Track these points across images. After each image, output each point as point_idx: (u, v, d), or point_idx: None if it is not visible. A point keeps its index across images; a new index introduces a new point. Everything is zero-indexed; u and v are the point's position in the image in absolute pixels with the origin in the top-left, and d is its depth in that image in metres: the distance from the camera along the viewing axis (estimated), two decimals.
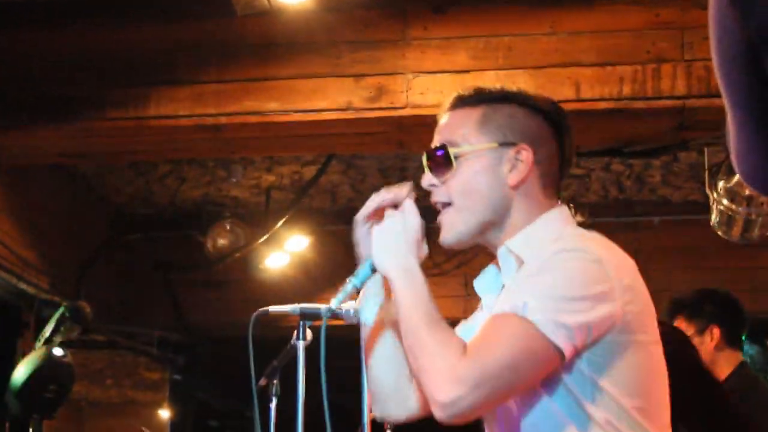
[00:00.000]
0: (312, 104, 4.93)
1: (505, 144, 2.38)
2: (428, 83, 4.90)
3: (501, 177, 2.37)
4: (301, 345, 3.45)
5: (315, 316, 3.46)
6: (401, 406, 2.58)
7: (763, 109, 1.38)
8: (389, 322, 2.52)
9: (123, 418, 9.50)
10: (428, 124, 4.86)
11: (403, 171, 7.71)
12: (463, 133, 2.41)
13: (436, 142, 2.46)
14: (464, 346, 2.22)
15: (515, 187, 2.38)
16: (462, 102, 2.46)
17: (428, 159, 2.45)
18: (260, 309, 3.52)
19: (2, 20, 5.07)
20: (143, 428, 9.08)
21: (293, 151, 6.53)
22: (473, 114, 2.42)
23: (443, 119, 2.49)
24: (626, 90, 4.79)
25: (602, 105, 4.81)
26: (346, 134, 5.12)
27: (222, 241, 8.03)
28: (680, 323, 4.47)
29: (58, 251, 7.48)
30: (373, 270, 2.44)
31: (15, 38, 5.10)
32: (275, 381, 3.78)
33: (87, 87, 5.00)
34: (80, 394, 8.99)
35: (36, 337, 6.85)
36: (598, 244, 2.32)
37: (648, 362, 2.30)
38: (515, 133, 2.39)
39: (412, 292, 2.31)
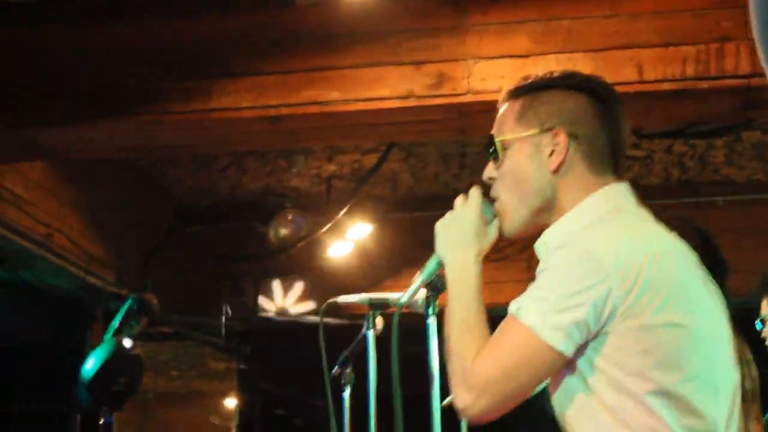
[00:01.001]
0: (373, 93, 4.92)
1: (543, 130, 2.43)
2: (488, 69, 4.87)
3: (543, 163, 2.43)
4: (371, 334, 3.48)
5: (383, 305, 3.48)
6: None
7: None
8: None
9: (189, 409, 9.58)
10: (489, 110, 4.83)
11: (463, 157, 7.69)
12: (506, 126, 2.50)
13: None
14: (479, 350, 2.30)
15: (557, 171, 2.43)
16: (508, 96, 2.54)
17: (487, 153, 2.55)
18: (329, 300, 3.55)
19: (63, 14, 5.11)
20: (211, 418, 9.16)
21: (355, 141, 6.53)
22: (515, 106, 2.50)
23: (498, 113, 2.57)
24: (689, 70, 4.73)
25: (665, 86, 4.75)
26: (407, 122, 5.11)
27: (284, 231, 8.06)
28: None
29: (123, 244, 7.56)
30: (440, 265, 2.52)
31: (76, 32, 5.12)
32: (348, 370, 3.80)
33: (147, 81, 5.02)
34: (147, 386, 9.07)
35: (105, 330, 6.92)
36: (603, 233, 2.33)
37: (665, 344, 2.25)
38: (552, 117, 2.44)
39: (458, 291, 2.42)
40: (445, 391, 3.10)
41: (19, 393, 7.97)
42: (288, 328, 9.33)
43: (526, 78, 2.54)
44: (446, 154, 7.62)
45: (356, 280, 8.23)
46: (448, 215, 2.55)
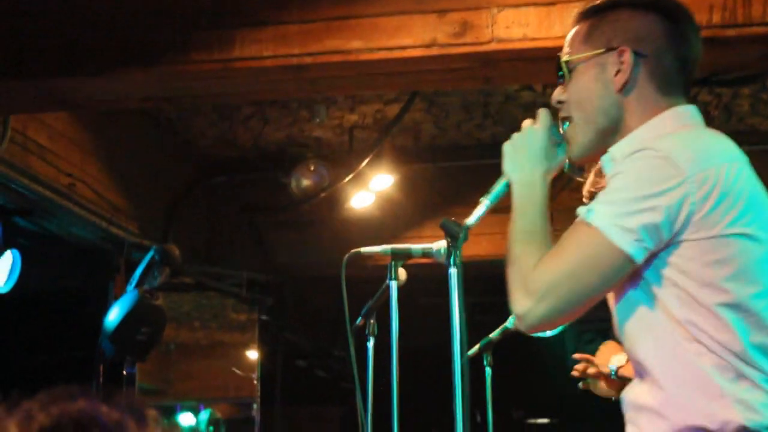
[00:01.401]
0: (396, 42, 4.88)
1: (609, 49, 2.41)
2: (513, 17, 4.82)
3: (608, 83, 2.42)
4: (393, 285, 3.46)
5: (406, 255, 3.46)
6: None
7: None
8: None
9: (211, 360, 9.61)
10: (514, 58, 4.88)
11: (487, 106, 7.65)
12: (575, 46, 2.48)
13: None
14: (540, 257, 2.27)
15: (622, 90, 2.41)
16: (577, 19, 2.52)
17: (556, 71, 2.52)
18: (352, 250, 3.53)
19: None
20: (233, 368, 9.21)
21: (378, 90, 6.49)
22: (583, 28, 2.49)
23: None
24: (716, 18, 4.67)
25: None
26: (431, 71, 5.07)
27: (306, 182, 8.04)
28: None
29: (146, 195, 7.57)
30: (508, 186, 2.51)
31: None
32: (372, 321, 3.79)
33: (170, 30, 4.99)
34: (168, 337, 9.11)
35: (127, 281, 6.94)
36: (678, 139, 2.28)
37: (740, 255, 2.21)
38: (618, 36, 2.42)
39: (523, 207, 2.40)
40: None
41: (43, 343, 8.03)
42: (310, 278, 9.35)
43: (592, 2, 2.51)
44: (469, 103, 7.58)
45: (378, 230, 8.23)
46: (516, 136, 2.52)
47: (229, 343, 9.69)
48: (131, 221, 7.26)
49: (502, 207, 7.61)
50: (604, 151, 2.45)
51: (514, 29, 4.81)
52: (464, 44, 4.84)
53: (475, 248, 8.12)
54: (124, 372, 7.51)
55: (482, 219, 2.60)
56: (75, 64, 5.03)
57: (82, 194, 6.56)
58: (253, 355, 9.44)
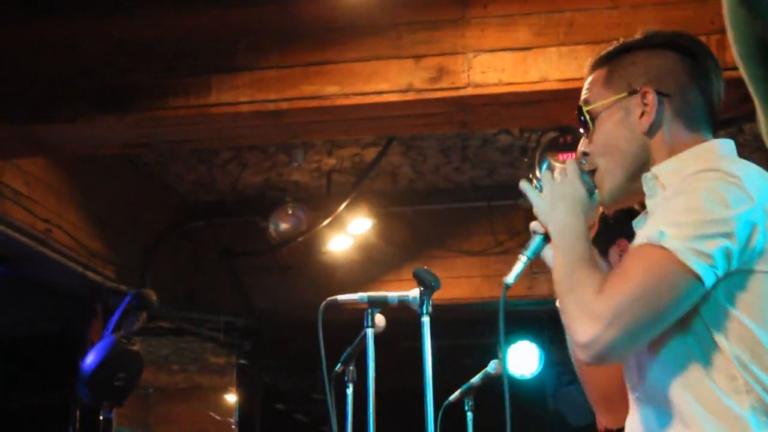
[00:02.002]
0: (372, 87, 4.90)
1: (631, 92, 2.35)
2: (489, 62, 4.85)
3: (634, 126, 2.35)
4: (370, 332, 3.47)
5: (382, 303, 3.47)
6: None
7: None
8: None
9: (190, 403, 9.56)
10: (490, 103, 4.90)
11: (464, 150, 7.67)
12: (595, 93, 2.41)
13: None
14: (602, 284, 2.15)
15: (649, 132, 2.35)
16: (593, 67, 2.47)
17: (579, 124, 2.46)
18: (329, 298, 3.54)
19: (64, 9, 5.09)
20: (211, 413, 9.15)
21: (354, 135, 6.51)
22: (601, 74, 2.42)
23: (583, 88, 2.48)
24: None
25: None
26: (407, 116, 5.09)
27: (284, 226, 8.04)
28: None
29: (123, 240, 7.54)
30: (546, 240, 2.41)
31: (76, 28, 5.11)
32: (351, 367, 3.79)
33: (148, 76, 5.01)
34: (147, 381, 9.05)
35: (104, 326, 6.90)
36: (742, 164, 2.21)
37: None
38: (638, 78, 2.36)
39: (569, 257, 2.26)
40: (437, 386, 3.09)
41: (20, 387, 7.97)
42: (289, 322, 9.31)
43: (609, 48, 2.47)
44: (447, 147, 7.60)
45: (357, 274, 8.22)
46: (547, 189, 2.39)
47: (208, 386, 9.63)
48: (108, 266, 7.23)
49: (478, 251, 7.57)
50: (635, 194, 2.40)
51: (489, 74, 4.83)
52: (440, 89, 4.86)
53: (454, 291, 8.17)
54: (101, 417, 7.44)
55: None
56: (52, 110, 5.03)
57: (59, 240, 6.54)
58: (231, 398, 9.39)
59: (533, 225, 2.43)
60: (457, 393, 4.97)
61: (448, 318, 7.79)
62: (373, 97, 4.90)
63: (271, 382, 10.34)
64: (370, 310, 3.51)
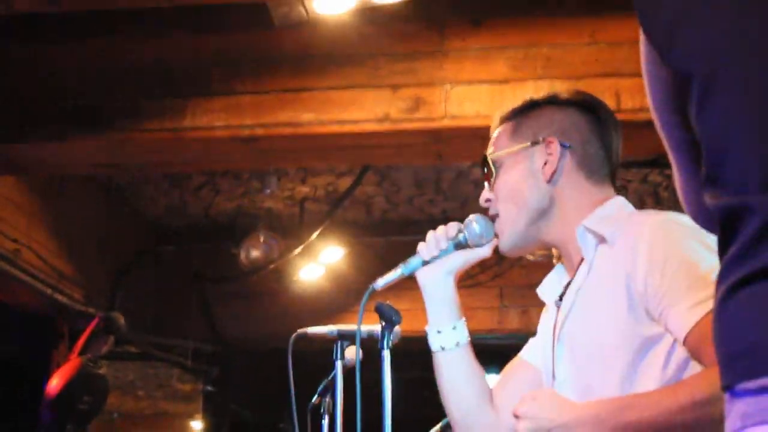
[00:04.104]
0: (348, 115, 4.89)
1: (535, 142, 2.45)
2: (466, 94, 4.84)
3: (537, 174, 2.44)
4: (339, 365, 3.48)
5: (352, 336, 3.47)
6: (488, 429, 2.57)
7: (691, 150, 1.39)
8: (464, 344, 2.58)
9: (155, 430, 9.51)
10: (466, 135, 4.89)
11: (438, 182, 7.67)
12: (500, 143, 2.52)
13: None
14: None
15: (551, 180, 2.43)
16: (500, 120, 2.58)
17: (481, 170, 2.56)
18: (299, 330, 3.54)
19: (38, 32, 5.07)
20: None
21: (329, 162, 6.49)
22: (509, 126, 2.53)
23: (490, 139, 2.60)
24: None
25: (642, 116, 4.72)
26: (383, 146, 5.07)
27: (255, 253, 8.00)
28: None
29: (93, 263, 7.49)
30: (425, 263, 2.55)
31: (51, 50, 5.09)
32: (327, 399, 3.78)
33: (122, 98, 4.98)
34: (112, 405, 9.00)
35: (70, 349, 6.85)
36: (672, 214, 2.27)
37: None
38: (544, 130, 2.46)
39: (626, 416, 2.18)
40: (407, 418, 3.07)
41: None
42: (257, 350, 9.27)
43: (516, 104, 2.57)
44: (421, 179, 7.60)
45: (327, 304, 8.19)
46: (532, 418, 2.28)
47: (173, 413, 9.60)
48: (77, 288, 7.17)
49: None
50: (533, 242, 2.49)
51: (466, 106, 4.83)
52: (417, 119, 4.85)
53: (424, 323, 8.15)
54: None
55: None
56: (26, 130, 5.00)
57: (27, 260, 6.48)
58: (196, 425, 9.34)
59: (420, 246, 2.58)
60: (437, 427, 4.94)
61: (417, 349, 7.77)
62: (349, 126, 4.89)
63: (237, 411, 10.29)
64: (339, 343, 3.52)
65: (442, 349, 2.59)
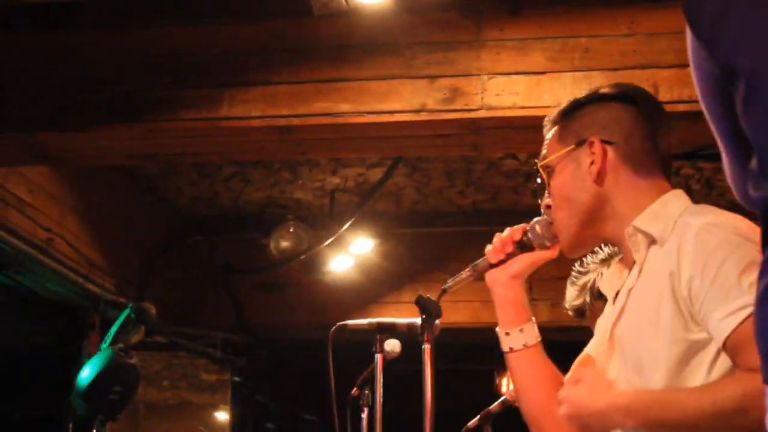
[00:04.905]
0: (385, 106, 4.87)
1: (579, 143, 2.46)
2: (503, 85, 4.83)
3: (585, 176, 2.44)
4: (379, 358, 3.50)
5: (391, 329, 3.50)
6: (559, 426, 2.56)
7: (739, 140, 1.38)
8: (532, 344, 2.63)
9: (180, 420, 9.52)
10: (503, 126, 4.87)
11: (469, 174, 7.65)
12: (549, 149, 2.54)
13: None
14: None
15: (598, 180, 2.43)
16: (550, 123, 2.58)
17: (538, 181, 2.58)
18: (339, 323, 3.58)
19: (77, 20, 5.07)
20: (201, 427, 9.11)
21: (365, 153, 6.47)
22: (554, 131, 2.55)
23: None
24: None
25: (681, 107, 4.70)
26: (419, 136, 5.06)
27: (285, 244, 8.00)
28: None
29: (123, 253, 7.51)
30: (492, 265, 2.63)
31: (88, 39, 5.09)
32: (366, 391, 3.79)
33: (159, 87, 4.98)
34: (137, 396, 9.00)
35: (102, 338, 6.85)
36: (731, 217, 2.28)
37: None
38: (586, 130, 2.47)
39: (653, 411, 2.23)
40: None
41: (14, 398, 7.91)
42: (285, 341, 9.28)
43: (558, 106, 2.58)
44: (452, 170, 7.58)
45: (356, 295, 8.19)
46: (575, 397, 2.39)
47: (198, 403, 9.59)
48: (108, 278, 7.19)
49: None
50: (592, 240, 2.54)
51: (504, 97, 4.81)
52: (453, 110, 4.84)
53: (453, 315, 8.12)
54: (94, 431, 7.37)
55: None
56: (60, 119, 5.00)
57: (60, 249, 6.50)
58: (222, 416, 9.34)
59: (487, 249, 2.65)
60: (475, 419, 4.93)
61: (445, 342, 7.76)
62: (385, 116, 4.88)
63: (263, 402, 10.30)
64: (379, 336, 3.55)
65: (511, 350, 2.63)
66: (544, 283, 8.37)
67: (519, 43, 4.89)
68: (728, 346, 2.13)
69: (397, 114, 4.86)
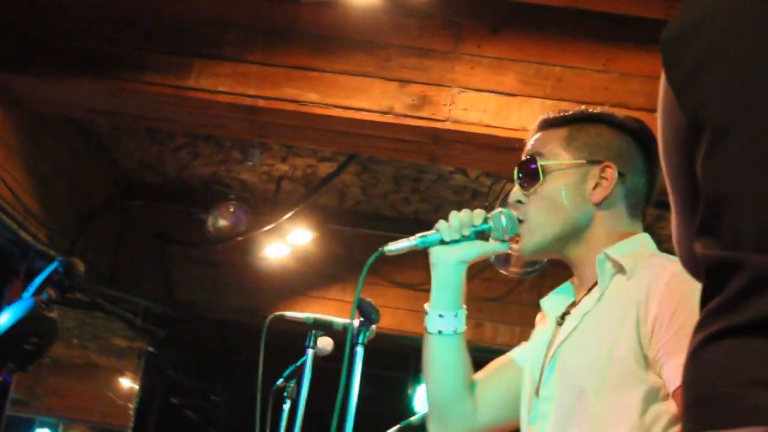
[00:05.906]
0: (353, 102, 4.88)
1: (591, 161, 2.41)
2: (473, 100, 4.85)
3: (584, 193, 2.41)
4: (310, 353, 3.49)
5: (327, 327, 3.49)
6: (463, 420, 2.54)
7: (694, 197, 1.41)
8: (461, 332, 2.53)
9: (83, 380, 9.41)
10: (465, 141, 4.89)
11: (417, 182, 7.66)
12: (551, 149, 2.45)
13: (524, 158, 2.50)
14: None
15: (598, 204, 2.40)
16: (548, 124, 2.50)
17: (519, 171, 2.48)
18: (276, 313, 3.56)
19: None
20: (110, 394, 9.03)
21: (324, 146, 6.45)
22: (560, 133, 2.46)
23: (531, 140, 2.52)
24: None
25: None
26: (380, 137, 5.07)
27: (223, 222, 7.95)
28: None
29: (61, 206, 7.41)
30: (442, 242, 2.48)
31: None
32: (292, 384, 3.77)
33: (131, 47, 4.94)
34: None
35: (25, 287, 6.77)
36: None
37: None
38: (601, 150, 2.42)
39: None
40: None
41: None
42: (208, 319, 9.22)
43: (565, 110, 2.52)
44: (401, 176, 7.59)
45: (289, 284, 8.16)
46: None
47: (104, 366, 9.49)
48: (41, 228, 7.09)
49: (408, 284, 7.51)
50: (552, 253, 2.48)
51: (471, 113, 4.83)
52: (419, 117, 4.86)
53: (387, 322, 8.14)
54: (1, 378, 7.27)
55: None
56: (27, 63, 4.94)
57: None
58: (127, 383, 9.26)
59: (441, 224, 2.49)
60: (395, 428, 4.93)
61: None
62: (351, 113, 4.88)
63: (174, 375, 10.24)
64: (313, 332, 3.53)
65: (440, 333, 2.52)
66: (472, 303, 8.43)
67: (495, 62, 4.91)
68: (677, 395, 2.14)
69: (363, 112, 4.87)
